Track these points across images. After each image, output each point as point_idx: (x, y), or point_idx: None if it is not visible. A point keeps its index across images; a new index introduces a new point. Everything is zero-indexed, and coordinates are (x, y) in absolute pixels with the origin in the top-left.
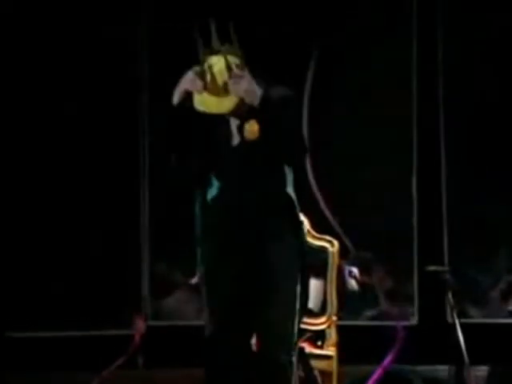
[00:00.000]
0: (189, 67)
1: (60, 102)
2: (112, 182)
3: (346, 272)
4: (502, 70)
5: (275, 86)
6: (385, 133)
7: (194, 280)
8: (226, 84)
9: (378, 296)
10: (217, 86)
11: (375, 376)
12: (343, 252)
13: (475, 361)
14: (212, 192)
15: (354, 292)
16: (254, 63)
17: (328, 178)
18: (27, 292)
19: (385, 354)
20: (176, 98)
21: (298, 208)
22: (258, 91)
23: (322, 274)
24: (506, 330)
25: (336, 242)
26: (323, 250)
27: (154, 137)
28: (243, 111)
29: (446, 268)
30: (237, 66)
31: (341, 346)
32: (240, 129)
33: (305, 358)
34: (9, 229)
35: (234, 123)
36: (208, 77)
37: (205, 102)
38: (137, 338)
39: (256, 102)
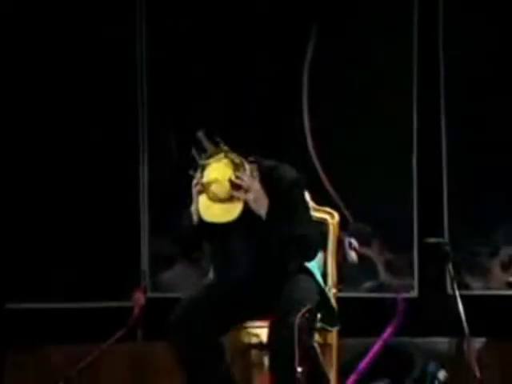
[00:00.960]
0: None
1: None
2: (111, 156)
3: (346, 244)
4: (502, 43)
5: (282, 165)
6: (385, 109)
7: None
8: (229, 194)
9: (377, 268)
10: (220, 196)
11: (375, 348)
12: (343, 224)
13: (475, 333)
14: (219, 272)
15: (353, 264)
16: (255, 37)
17: (329, 155)
18: (26, 264)
19: (385, 327)
20: (195, 218)
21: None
22: (265, 200)
23: (321, 246)
24: (506, 301)
25: (336, 214)
26: (323, 221)
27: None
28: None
29: (446, 240)
30: (237, 165)
31: (341, 318)
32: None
33: (305, 331)
34: (8, 203)
35: None
36: (210, 187)
37: (212, 213)
38: (136, 310)
39: (264, 211)
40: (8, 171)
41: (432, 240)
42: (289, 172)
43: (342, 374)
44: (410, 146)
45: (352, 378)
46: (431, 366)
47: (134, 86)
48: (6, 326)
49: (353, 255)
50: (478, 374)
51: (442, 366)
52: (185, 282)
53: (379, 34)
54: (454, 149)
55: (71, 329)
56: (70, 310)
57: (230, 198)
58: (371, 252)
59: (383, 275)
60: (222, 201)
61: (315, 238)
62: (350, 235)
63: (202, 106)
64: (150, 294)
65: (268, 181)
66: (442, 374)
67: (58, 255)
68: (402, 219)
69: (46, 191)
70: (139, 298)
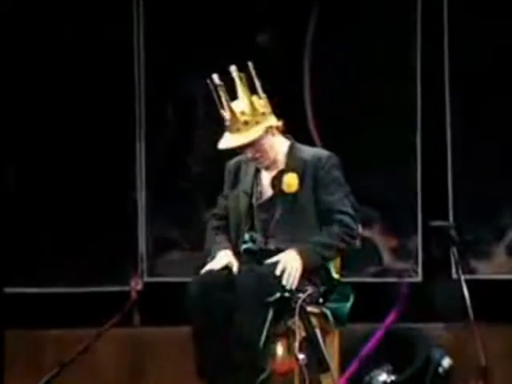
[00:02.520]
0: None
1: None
2: (108, 139)
3: None
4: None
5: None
6: (388, 86)
7: None
8: (246, 122)
9: (380, 252)
10: (238, 122)
11: (377, 335)
12: None
13: (481, 318)
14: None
15: (355, 248)
16: (257, 17)
17: (332, 134)
18: (23, 248)
19: (388, 312)
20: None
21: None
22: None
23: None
24: None
25: None
26: None
27: None
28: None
29: (451, 223)
30: (259, 104)
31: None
32: (274, 181)
33: (306, 316)
34: (5, 186)
35: (266, 176)
36: (228, 115)
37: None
38: (133, 295)
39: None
40: (3, 154)
41: (436, 223)
42: (327, 153)
43: (344, 360)
44: (414, 127)
45: (353, 364)
46: (435, 353)
47: (131, 60)
48: (1, 311)
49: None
50: (483, 361)
51: (447, 353)
52: (184, 266)
53: (381, 10)
54: (458, 129)
55: (66, 314)
56: (65, 295)
57: (246, 124)
58: (374, 235)
59: (386, 259)
60: (238, 130)
61: (356, 221)
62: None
63: (202, 82)
64: (147, 279)
65: (303, 160)
66: (446, 361)
67: (52, 238)
68: (405, 202)
69: (42, 174)
70: (136, 282)
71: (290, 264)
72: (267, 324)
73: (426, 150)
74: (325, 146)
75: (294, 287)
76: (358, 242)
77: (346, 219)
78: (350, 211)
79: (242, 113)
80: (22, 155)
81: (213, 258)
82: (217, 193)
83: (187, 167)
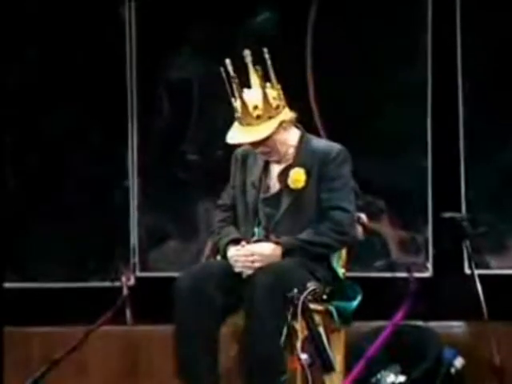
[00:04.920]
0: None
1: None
2: (98, 124)
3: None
4: None
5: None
6: (396, 74)
7: None
8: (259, 116)
9: (388, 245)
10: (250, 116)
11: (385, 333)
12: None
13: (495, 316)
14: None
15: (361, 240)
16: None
17: (339, 125)
18: (10, 242)
19: (396, 309)
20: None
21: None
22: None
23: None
24: None
25: None
26: None
27: None
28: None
29: (464, 214)
30: (274, 97)
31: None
32: (281, 176)
33: (309, 314)
34: None
35: (274, 169)
36: (240, 107)
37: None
38: (125, 290)
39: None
40: None
41: (448, 214)
42: (337, 148)
43: (349, 360)
44: (425, 113)
45: (359, 364)
46: (447, 353)
47: (123, 44)
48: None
49: (360, 231)
50: (497, 360)
51: (459, 353)
52: (179, 260)
53: None
54: (472, 114)
55: (54, 310)
56: (52, 290)
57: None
58: (382, 227)
59: (395, 253)
60: (250, 123)
61: (349, 218)
62: (359, 209)
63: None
64: (139, 274)
65: (312, 155)
66: (458, 361)
67: (38, 230)
68: (415, 191)
69: (30, 163)
70: (128, 277)
71: (258, 251)
72: (289, 319)
73: (437, 136)
74: (329, 135)
75: (242, 271)
76: (357, 231)
77: (339, 215)
78: (347, 206)
79: (255, 107)
80: (10, 148)
81: (222, 251)
82: (214, 181)
83: (182, 154)
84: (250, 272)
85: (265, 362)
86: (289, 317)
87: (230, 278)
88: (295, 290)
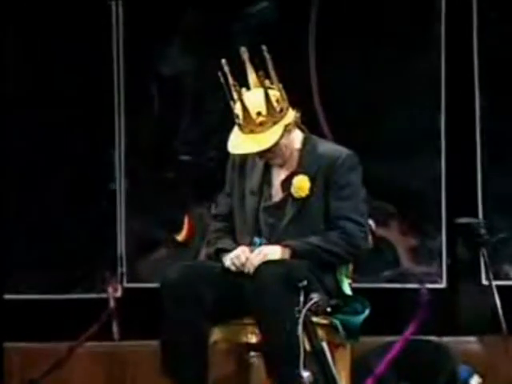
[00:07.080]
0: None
1: None
2: (83, 122)
3: None
4: None
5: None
6: (407, 72)
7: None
8: (262, 123)
9: (398, 254)
10: (253, 123)
11: (396, 348)
12: None
13: None
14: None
15: (368, 249)
16: None
17: (347, 123)
18: None
19: (407, 323)
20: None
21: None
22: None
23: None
24: None
25: None
26: None
27: None
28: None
29: (480, 220)
30: (277, 100)
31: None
32: (284, 183)
33: (311, 327)
34: None
35: (276, 175)
36: (241, 113)
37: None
38: (111, 302)
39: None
40: None
41: (463, 220)
42: (345, 154)
43: (356, 378)
44: (438, 109)
45: (367, 382)
46: (462, 371)
47: (110, 36)
48: None
49: (369, 239)
50: None
51: (475, 371)
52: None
53: None
54: (488, 111)
55: (36, 324)
56: (33, 302)
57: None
58: (391, 234)
59: (405, 262)
60: (252, 131)
61: (362, 231)
62: (368, 216)
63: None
64: (127, 285)
65: (317, 160)
66: (475, 380)
67: (20, 237)
68: (427, 195)
69: (13, 169)
70: (114, 288)
71: (267, 251)
72: (303, 309)
73: (451, 135)
74: (334, 133)
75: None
76: (369, 243)
77: (350, 227)
78: (359, 219)
79: (258, 113)
80: None
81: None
82: (206, 184)
83: (173, 155)
84: (251, 269)
85: (285, 353)
86: (301, 306)
87: (222, 276)
88: (305, 282)
